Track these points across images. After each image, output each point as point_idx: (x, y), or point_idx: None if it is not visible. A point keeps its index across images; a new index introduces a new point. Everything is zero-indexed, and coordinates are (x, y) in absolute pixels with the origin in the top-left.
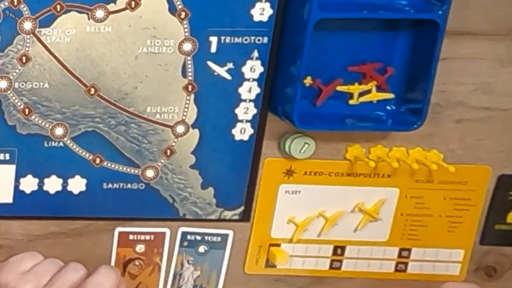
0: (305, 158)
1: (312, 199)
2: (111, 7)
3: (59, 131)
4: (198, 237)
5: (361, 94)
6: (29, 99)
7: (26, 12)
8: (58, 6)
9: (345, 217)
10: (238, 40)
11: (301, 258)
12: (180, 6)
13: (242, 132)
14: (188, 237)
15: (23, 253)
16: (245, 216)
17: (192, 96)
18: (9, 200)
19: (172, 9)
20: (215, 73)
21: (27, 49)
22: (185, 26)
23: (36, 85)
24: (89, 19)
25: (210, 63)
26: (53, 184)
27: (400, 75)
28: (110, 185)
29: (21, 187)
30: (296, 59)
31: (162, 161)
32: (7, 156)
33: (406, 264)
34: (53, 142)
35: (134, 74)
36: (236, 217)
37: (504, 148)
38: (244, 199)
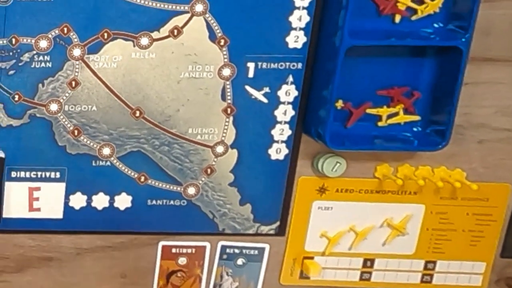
0: (337, 176)
1: (344, 215)
2: (155, 34)
3: (106, 151)
4: (237, 251)
5: (389, 117)
6: (78, 121)
7: (76, 40)
8: (106, 34)
9: (374, 232)
10: (274, 65)
11: (333, 270)
12: (219, 34)
13: (278, 152)
14: (227, 250)
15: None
16: (281, 231)
17: (231, 118)
18: (60, 216)
19: (212, 37)
20: (253, 97)
21: (76, 74)
22: (225, 52)
23: (84, 108)
24: (134, 46)
25: (247, 87)
26: (100, 201)
27: (426, 99)
28: (154, 202)
29: (70, 204)
30: (328, 83)
31: (203, 179)
32: (58, 175)
33: (431, 275)
34: (100, 162)
35: (177, 98)
36: (272, 232)
37: None
38: (280, 214)
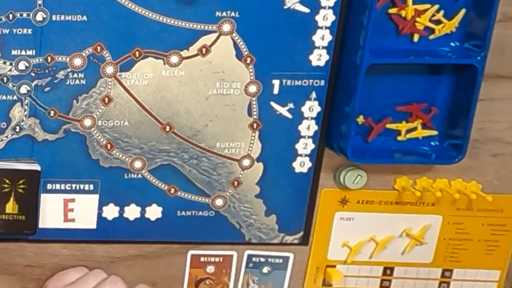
0: (358, 188)
1: (364, 225)
2: (184, 53)
3: (138, 164)
4: (262, 259)
5: (408, 131)
6: (111, 135)
7: (108, 58)
8: (137, 52)
9: (393, 241)
10: (298, 83)
11: (354, 278)
12: (246, 53)
13: (302, 165)
14: (253, 259)
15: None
16: (304, 240)
17: (257, 133)
18: (93, 226)
19: (239, 55)
20: (277, 112)
21: (109, 91)
22: (251, 70)
23: (117, 123)
24: (164, 64)
25: (273, 104)
26: (132, 212)
27: (443, 114)
28: (183, 213)
29: (103, 215)
30: (350, 99)
31: (230, 191)
32: (92, 187)
33: (448, 283)
34: (132, 174)
35: (205, 113)
36: (296, 241)
37: None
38: (303, 225)
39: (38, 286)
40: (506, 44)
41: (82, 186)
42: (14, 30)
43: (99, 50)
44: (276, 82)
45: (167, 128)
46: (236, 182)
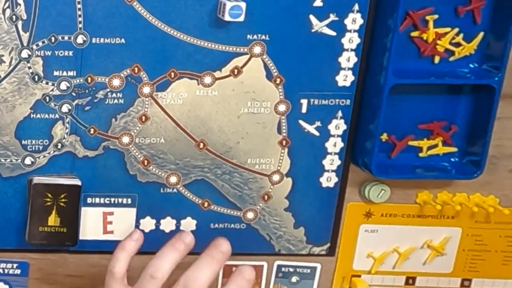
0: (381, 202)
1: (388, 237)
2: (217, 74)
3: (173, 179)
4: (291, 269)
5: (429, 148)
6: (148, 152)
7: (145, 79)
8: (173, 73)
9: (415, 252)
10: (325, 102)
11: (378, 287)
12: (276, 73)
13: (328, 180)
14: (283, 269)
15: None
16: (331, 251)
17: (286, 149)
18: None
19: (269, 76)
20: (306, 130)
21: (146, 109)
22: (280, 90)
23: (153, 140)
24: (198, 84)
25: (301, 122)
26: (168, 224)
27: (462, 132)
28: (216, 225)
29: (141, 227)
30: (374, 118)
31: (261, 205)
32: (129, 201)
33: None
34: (168, 189)
35: (237, 131)
36: (323, 252)
37: None
38: (330, 237)
39: None
40: None
41: (120, 200)
42: (56, 52)
43: (136, 71)
44: (304, 102)
45: (201, 145)
46: (266, 196)
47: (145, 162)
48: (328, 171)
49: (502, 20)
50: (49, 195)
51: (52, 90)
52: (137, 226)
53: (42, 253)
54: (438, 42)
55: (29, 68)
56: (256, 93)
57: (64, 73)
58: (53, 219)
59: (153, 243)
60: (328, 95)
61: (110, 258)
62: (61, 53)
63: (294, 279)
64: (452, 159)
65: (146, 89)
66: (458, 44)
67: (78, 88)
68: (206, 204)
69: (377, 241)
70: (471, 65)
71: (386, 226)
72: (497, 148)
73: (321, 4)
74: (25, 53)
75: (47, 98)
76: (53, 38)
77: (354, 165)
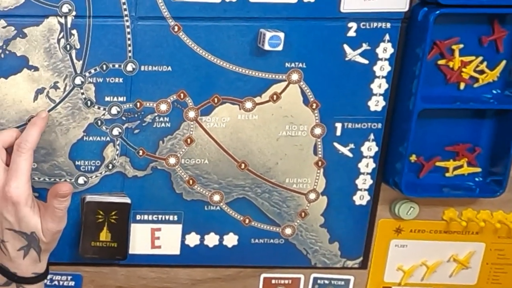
0: (410, 219)
1: (417, 251)
2: (257, 99)
3: (216, 197)
4: (326, 281)
5: (455, 169)
6: (193, 172)
7: (190, 104)
8: (216, 99)
9: (442, 266)
10: (358, 125)
11: None
12: (312, 99)
13: (361, 198)
14: (319, 281)
15: None
16: (363, 265)
17: (322, 170)
18: (177, 252)
19: (306, 102)
20: (340, 152)
21: (191, 132)
22: (316, 115)
23: (198, 161)
24: (240, 109)
25: (336, 144)
26: (211, 239)
27: (486, 154)
28: (256, 240)
29: (186, 242)
30: (404, 140)
31: (298, 221)
32: (176, 218)
33: None
34: (211, 206)
35: (276, 153)
36: (356, 266)
37: None
38: (363, 251)
39: None
40: None
41: (167, 217)
42: (107, 79)
43: (182, 96)
44: (338, 125)
45: (242, 166)
46: (303, 213)
47: (191, 181)
48: (361, 190)
49: None
50: (101, 212)
51: (104, 114)
52: (182, 241)
53: (94, 266)
54: (463, 69)
55: (82, 94)
56: (294, 117)
57: (115, 99)
58: (104, 235)
59: (198, 257)
60: (361, 119)
61: (158, 271)
62: (112, 80)
63: None
64: (476, 179)
65: (191, 114)
66: (482, 72)
67: (128, 112)
68: (247, 221)
69: (407, 255)
70: (494, 91)
71: (415, 241)
72: None
73: (354, 34)
74: (78, 80)
75: (99, 122)
76: (104, 66)
77: (385, 184)
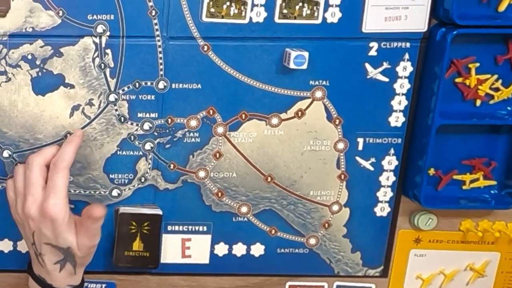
0: (429, 229)
1: (435, 260)
2: (283, 115)
3: (244, 209)
4: None
5: (472, 182)
6: (221, 185)
7: (219, 120)
8: (243, 115)
9: (459, 274)
10: (379, 140)
11: None
12: (335, 115)
13: (382, 210)
14: None
15: None
16: (384, 273)
17: (344, 183)
18: (206, 261)
19: (329, 118)
20: (362, 166)
21: (220, 147)
22: (339, 130)
23: (226, 174)
24: (266, 124)
25: (358, 158)
26: (239, 249)
27: (501, 167)
28: (282, 250)
29: (215, 251)
30: (422, 155)
31: (322, 232)
32: (205, 228)
33: None
34: (239, 218)
35: (301, 166)
36: (377, 274)
37: None
38: (383, 260)
39: None
40: None
41: (197, 228)
42: (140, 96)
43: (211, 113)
44: (360, 140)
45: (269, 179)
46: (327, 224)
47: (219, 194)
48: (381, 202)
49: None
50: (134, 223)
51: (136, 130)
52: (212, 250)
53: (127, 275)
54: (479, 87)
55: (116, 110)
56: (318, 132)
57: (147, 115)
58: (137, 245)
59: (226, 266)
60: (382, 134)
61: (188, 279)
62: (144, 97)
63: None
64: (492, 191)
65: (220, 129)
66: (497, 89)
67: (160, 128)
68: (273, 231)
69: (425, 264)
70: (508, 108)
71: (433, 251)
72: None
73: (375, 53)
74: (112, 97)
75: (132, 137)
76: (137, 84)
77: (405, 197)
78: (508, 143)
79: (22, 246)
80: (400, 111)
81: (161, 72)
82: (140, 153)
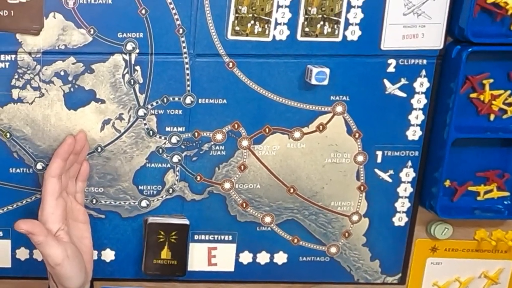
0: (445, 239)
1: (450, 268)
2: (305, 129)
3: (267, 219)
4: None
5: (486, 193)
6: (246, 196)
7: (244, 134)
8: (267, 129)
9: (474, 281)
10: (396, 153)
11: None
12: (355, 129)
13: (400, 220)
14: None
15: None
16: (402, 281)
17: (364, 194)
18: (232, 269)
19: (349, 131)
20: (380, 177)
21: (244, 160)
22: (359, 143)
23: (251, 186)
24: (289, 138)
25: (376, 170)
26: (263, 258)
27: None
28: (304, 258)
29: (240, 260)
30: (438, 167)
31: (342, 241)
32: (230, 237)
33: None
34: (263, 227)
35: (322, 178)
36: (395, 281)
37: None
38: (401, 268)
39: None
40: None
41: (222, 237)
42: (168, 111)
43: (236, 127)
44: (379, 153)
45: (291, 190)
46: (347, 234)
47: (244, 204)
48: (399, 212)
49: None
50: (162, 233)
51: (165, 143)
52: (236, 259)
53: (156, 282)
54: (493, 102)
55: (145, 124)
56: (338, 145)
57: (175, 129)
58: (165, 253)
59: (250, 274)
60: (400, 147)
61: (213, 287)
62: (172, 111)
63: None
64: (505, 202)
65: (245, 143)
66: (510, 104)
67: (187, 141)
68: (295, 240)
69: (441, 272)
70: None
71: (449, 259)
72: None
73: (393, 70)
74: (141, 112)
75: (160, 150)
76: (165, 99)
77: (421, 207)
78: None
79: (38, 254)
80: (417, 125)
81: (188, 88)
82: (168, 165)
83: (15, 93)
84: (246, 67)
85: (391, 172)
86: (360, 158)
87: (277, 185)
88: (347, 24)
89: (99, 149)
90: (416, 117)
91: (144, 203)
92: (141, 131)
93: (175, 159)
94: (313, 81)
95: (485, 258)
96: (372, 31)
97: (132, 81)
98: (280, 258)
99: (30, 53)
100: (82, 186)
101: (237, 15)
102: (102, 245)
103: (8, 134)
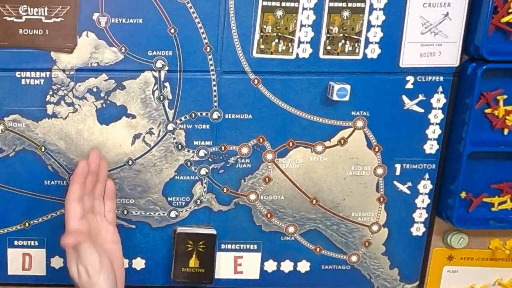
0: (461, 248)
1: (466, 276)
2: (327, 143)
3: (291, 229)
4: None
5: (500, 204)
6: (270, 207)
7: (268, 147)
8: (291, 143)
9: None
10: (414, 166)
11: None
12: (374, 143)
13: (417, 230)
14: None
15: None
16: None
17: (383, 205)
18: (257, 277)
19: (369, 145)
20: (399, 189)
21: (269, 172)
22: (378, 157)
23: (275, 197)
24: (312, 152)
25: (395, 182)
26: (287, 266)
27: None
28: (326, 267)
29: (265, 268)
30: (455, 179)
31: (362, 250)
32: (255, 247)
33: None
34: (287, 237)
35: (343, 190)
36: None
37: None
38: (419, 276)
39: None
40: None
41: (248, 246)
42: (196, 126)
43: (261, 141)
44: (398, 166)
45: (314, 201)
46: (367, 243)
47: (268, 215)
48: (417, 222)
49: None
50: (190, 242)
51: (193, 156)
52: (261, 267)
53: None
54: (507, 117)
55: (174, 138)
56: (359, 159)
57: (202, 143)
58: (193, 262)
59: (275, 282)
60: (417, 160)
61: None
62: (200, 126)
63: None
64: None
65: (269, 156)
66: None
67: (214, 155)
68: (318, 249)
69: (458, 280)
70: None
71: (465, 267)
72: None
73: (411, 86)
74: (170, 127)
75: (188, 163)
76: (193, 114)
77: (438, 218)
78: None
79: None
80: (434, 139)
81: (215, 104)
82: (196, 177)
83: (49, 109)
84: (271, 84)
85: (409, 184)
86: (380, 171)
87: (300, 197)
88: (367, 42)
89: (130, 162)
90: (433, 131)
91: (173, 214)
92: (170, 145)
93: (203, 171)
94: (335, 97)
95: (499, 267)
96: (391, 49)
97: (161, 97)
98: (303, 266)
99: (64, 70)
100: (111, 205)
101: (262, 34)
102: (133, 254)
103: (43, 148)
